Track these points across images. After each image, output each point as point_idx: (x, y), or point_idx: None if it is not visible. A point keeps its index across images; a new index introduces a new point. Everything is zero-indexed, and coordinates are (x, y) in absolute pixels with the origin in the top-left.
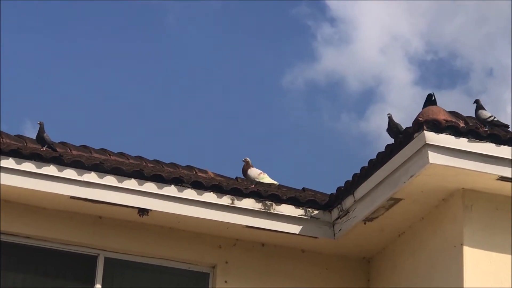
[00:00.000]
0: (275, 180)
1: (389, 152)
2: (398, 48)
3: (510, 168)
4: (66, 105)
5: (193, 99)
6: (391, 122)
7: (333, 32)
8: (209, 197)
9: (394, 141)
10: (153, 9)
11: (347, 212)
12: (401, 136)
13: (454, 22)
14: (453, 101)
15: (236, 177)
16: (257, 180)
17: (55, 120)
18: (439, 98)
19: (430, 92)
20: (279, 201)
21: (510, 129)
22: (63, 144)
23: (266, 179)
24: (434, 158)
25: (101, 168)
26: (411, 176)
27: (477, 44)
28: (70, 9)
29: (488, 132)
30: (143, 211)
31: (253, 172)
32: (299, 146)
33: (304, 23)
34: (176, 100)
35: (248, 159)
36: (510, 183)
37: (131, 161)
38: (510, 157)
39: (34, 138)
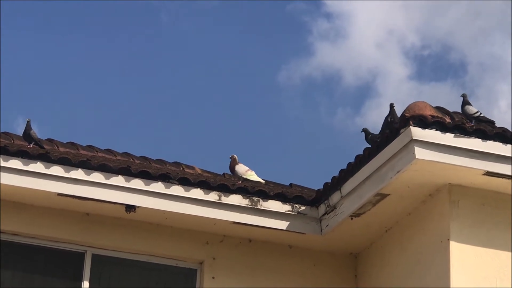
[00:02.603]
0: (263, 178)
1: (376, 147)
2: (394, 42)
3: (496, 163)
4: (57, 103)
5: (188, 96)
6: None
7: (329, 27)
8: (196, 193)
9: (381, 136)
10: (148, 7)
11: (334, 207)
12: (387, 132)
13: (449, 16)
14: (448, 95)
15: (223, 173)
16: (244, 176)
17: (47, 117)
18: (435, 92)
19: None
20: (266, 197)
21: (496, 125)
22: (50, 141)
23: (253, 176)
24: (420, 153)
25: (88, 165)
26: (398, 172)
27: (472, 37)
28: (65, 7)
29: (474, 127)
30: (130, 208)
31: (241, 168)
32: (296, 142)
33: (300, 19)
34: (169, 97)
35: (235, 156)
36: (496, 178)
37: (118, 157)
38: (496, 152)
39: (21, 135)
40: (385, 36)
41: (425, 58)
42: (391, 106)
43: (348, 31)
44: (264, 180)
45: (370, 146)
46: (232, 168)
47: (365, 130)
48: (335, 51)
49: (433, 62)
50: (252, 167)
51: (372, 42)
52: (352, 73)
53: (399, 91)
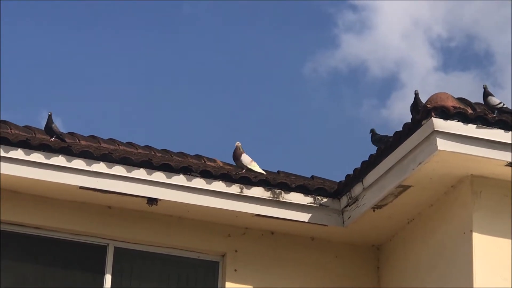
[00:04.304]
0: (282, 170)
1: (398, 139)
2: (420, 33)
3: None
4: (79, 96)
5: (211, 88)
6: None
7: (355, 18)
8: (218, 186)
9: (403, 128)
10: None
11: (356, 199)
12: (409, 123)
13: (474, 5)
14: (474, 84)
15: None
16: (249, 167)
17: (69, 110)
18: (461, 82)
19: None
20: (288, 189)
21: None
22: (71, 134)
23: (256, 167)
24: (442, 144)
25: (109, 158)
26: (420, 163)
27: (497, 26)
28: (89, 2)
29: (496, 118)
30: (152, 201)
31: (246, 158)
32: (320, 134)
33: (325, 11)
34: (192, 89)
35: (240, 144)
36: None
37: (139, 150)
38: None
39: (43, 128)
40: (411, 26)
41: (451, 48)
42: (415, 93)
43: (373, 22)
44: (264, 171)
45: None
46: (237, 156)
47: (372, 131)
48: (360, 43)
49: (459, 52)
50: (275, 159)
51: (398, 33)
52: (378, 64)
53: (425, 82)
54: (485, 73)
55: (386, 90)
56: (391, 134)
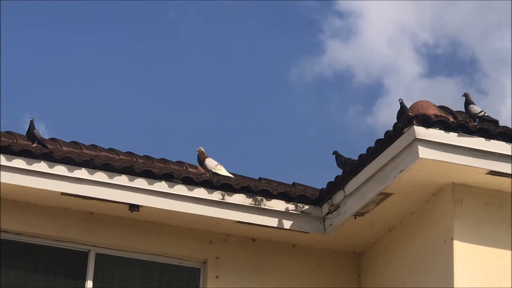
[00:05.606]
0: (265, 177)
1: (379, 147)
2: (406, 39)
3: (499, 163)
4: (62, 101)
5: (198, 94)
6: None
7: (341, 24)
8: (200, 192)
9: (384, 136)
10: (156, 4)
11: (337, 207)
12: (391, 131)
13: (459, 11)
14: (459, 91)
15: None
16: (214, 171)
17: (53, 115)
18: (446, 88)
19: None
20: (270, 196)
21: (500, 124)
22: (53, 140)
23: (222, 171)
24: (424, 152)
25: (91, 164)
26: (401, 171)
27: (483, 32)
28: (70, 6)
29: (478, 126)
30: (133, 207)
31: (211, 162)
32: (305, 140)
33: (311, 17)
34: (176, 94)
35: (203, 149)
36: (499, 177)
37: (121, 157)
38: (499, 152)
39: (25, 134)
40: (397, 33)
41: (437, 55)
42: (400, 102)
43: (359, 29)
44: (232, 174)
45: (367, 150)
46: (201, 161)
47: (335, 153)
48: (346, 49)
49: (444, 59)
50: (258, 165)
51: (384, 40)
52: (364, 70)
53: (411, 88)
54: (469, 79)
55: (372, 97)
56: (355, 157)
